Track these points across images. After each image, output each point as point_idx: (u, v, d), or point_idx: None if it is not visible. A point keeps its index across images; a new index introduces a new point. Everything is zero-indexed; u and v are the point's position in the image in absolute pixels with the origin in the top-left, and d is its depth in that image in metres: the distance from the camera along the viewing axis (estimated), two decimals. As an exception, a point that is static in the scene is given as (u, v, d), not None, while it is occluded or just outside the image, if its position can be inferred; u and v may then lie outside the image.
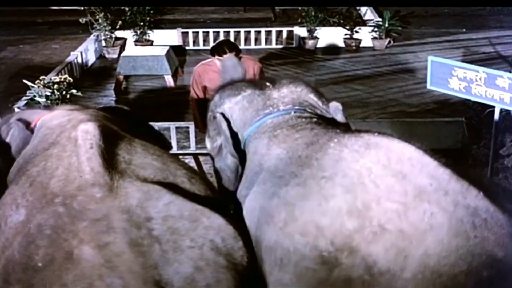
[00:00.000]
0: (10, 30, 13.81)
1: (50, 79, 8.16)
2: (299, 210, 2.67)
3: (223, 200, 3.21)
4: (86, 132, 2.74)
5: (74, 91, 7.84)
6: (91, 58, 11.89)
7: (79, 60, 11.17)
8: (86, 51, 11.72)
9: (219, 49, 5.44)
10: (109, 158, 2.62)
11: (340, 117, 3.51)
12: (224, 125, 3.43)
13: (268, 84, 3.61)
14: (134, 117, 3.94)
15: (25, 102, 8.06)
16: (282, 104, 3.43)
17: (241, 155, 3.39)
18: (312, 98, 3.55)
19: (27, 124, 3.51)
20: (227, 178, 3.47)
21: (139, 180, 2.57)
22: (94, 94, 9.95)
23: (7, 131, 3.60)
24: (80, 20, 11.97)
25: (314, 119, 3.31)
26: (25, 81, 8.08)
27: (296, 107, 3.41)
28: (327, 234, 2.53)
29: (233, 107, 3.52)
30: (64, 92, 7.74)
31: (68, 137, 2.90)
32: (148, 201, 2.44)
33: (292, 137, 3.12)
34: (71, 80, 8.13)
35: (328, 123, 3.32)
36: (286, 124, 3.25)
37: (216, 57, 5.43)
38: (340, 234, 2.51)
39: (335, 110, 3.52)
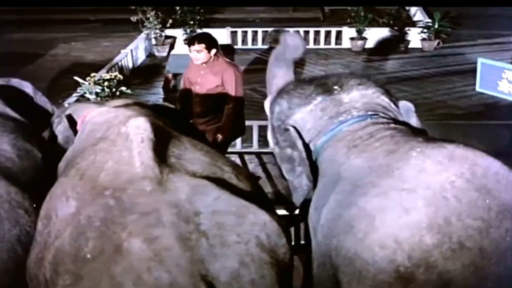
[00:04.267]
0: (63, 27, 14.14)
1: (101, 76, 8.31)
2: (379, 221, 2.63)
3: (267, 197, 3.19)
4: (137, 127, 2.74)
5: (123, 88, 7.98)
6: (141, 56, 12.07)
7: (129, 58, 11.35)
8: (136, 49, 11.90)
9: (190, 40, 5.68)
10: (160, 152, 2.62)
11: (414, 120, 3.43)
12: (299, 143, 3.35)
13: (335, 86, 3.47)
14: (178, 114, 3.97)
15: (75, 98, 8.19)
16: (355, 110, 3.33)
17: (311, 162, 3.34)
18: (384, 99, 3.46)
19: (75, 119, 3.58)
20: (297, 195, 3.45)
21: (188, 175, 2.57)
22: (143, 92, 10.09)
23: (57, 125, 3.70)
24: (131, 19, 12.18)
25: (392, 125, 3.22)
26: (76, 78, 8.26)
27: (371, 113, 3.31)
28: (406, 248, 2.51)
29: (306, 117, 3.41)
30: (113, 90, 7.88)
31: (117, 132, 2.88)
32: (197, 195, 2.45)
33: (372, 146, 3.05)
34: (121, 77, 8.28)
35: (406, 129, 3.24)
36: (364, 132, 3.16)
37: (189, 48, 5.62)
38: (418, 249, 2.49)
39: (408, 111, 3.45)
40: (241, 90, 5.52)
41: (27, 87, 4.21)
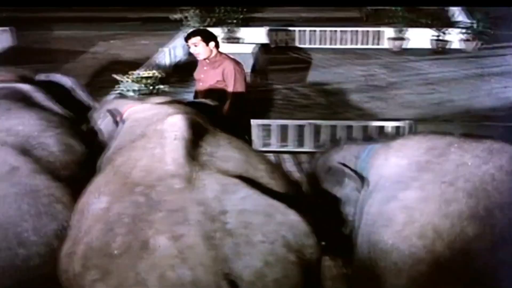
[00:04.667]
0: (103, 25, 14.35)
1: (138, 74, 8.40)
2: (418, 212, 2.63)
3: (303, 196, 3.19)
4: (173, 125, 2.77)
5: (161, 86, 8.05)
6: (179, 54, 12.17)
7: (167, 56, 11.44)
8: (175, 48, 12.00)
9: (187, 36, 5.64)
10: (192, 150, 2.64)
11: None
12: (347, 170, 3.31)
13: None
14: (216, 111, 3.99)
15: (114, 96, 8.25)
16: None
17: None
18: None
19: (116, 114, 3.63)
20: (344, 208, 3.35)
21: (219, 173, 2.56)
22: (180, 90, 10.15)
23: (98, 120, 3.75)
24: (170, 17, 12.28)
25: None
26: (114, 75, 8.37)
27: None
28: (445, 238, 2.50)
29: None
30: (152, 87, 7.96)
31: (155, 129, 2.90)
32: (225, 194, 2.44)
33: (407, 144, 3.08)
34: (159, 75, 8.35)
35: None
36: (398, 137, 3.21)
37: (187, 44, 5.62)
38: (459, 239, 2.48)
39: None
40: (241, 85, 5.49)
41: (68, 82, 4.27)
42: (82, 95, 4.28)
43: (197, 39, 5.37)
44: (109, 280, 2.32)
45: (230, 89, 5.43)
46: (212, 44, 5.40)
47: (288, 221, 2.46)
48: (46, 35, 13.69)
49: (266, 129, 7.51)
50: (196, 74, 5.70)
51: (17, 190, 2.87)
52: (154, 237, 2.29)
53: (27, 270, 2.76)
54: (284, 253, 2.38)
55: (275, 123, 7.10)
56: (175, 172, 2.50)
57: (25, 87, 3.85)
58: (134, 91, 7.90)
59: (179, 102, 3.66)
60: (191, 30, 5.92)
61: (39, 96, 3.79)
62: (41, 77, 4.27)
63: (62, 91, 4.23)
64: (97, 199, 2.63)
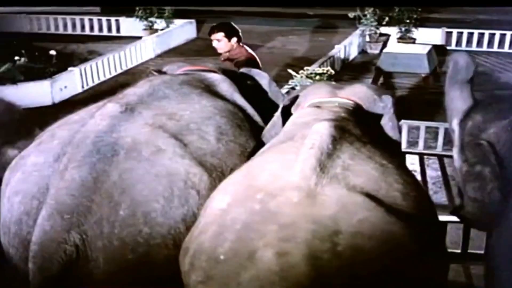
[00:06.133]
0: (282, 21, 14.77)
1: (313, 70, 8.59)
2: None
3: (435, 221, 2.89)
4: (315, 132, 2.69)
5: (332, 83, 8.15)
6: (353, 52, 12.27)
7: (342, 54, 11.59)
8: (350, 45, 12.11)
9: (210, 29, 5.75)
10: (327, 161, 2.52)
11: None
12: (492, 158, 3.18)
13: None
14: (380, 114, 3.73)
15: (286, 90, 8.43)
16: None
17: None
18: None
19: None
20: (481, 212, 3.25)
21: (346, 188, 2.42)
22: (351, 88, 10.20)
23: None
24: (349, 15, 12.41)
25: None
26: (289, 70, 8.63)
27: None
28: None
29: (500, 133, 3.26)
30: None
31: (302, 134, 2.83)
32: (343, 213, 2.31)
33: None
34: (332, 72, 8.49)
35: None
36: None
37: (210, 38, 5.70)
38: None
39: None
40: None
41: (264, 78, 4.38)
42: (275, 91, 4.40)
43: (220, 35, 5.56)
44: (210, 283, 2.32)
45: None
46: (234, 39, 5.57)
47: (400, 252, 2.33)
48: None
49: (433, 131, 7.43)
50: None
51: (156, 172, 2.91)
52: (261, 249, 2.23)
53: (148, 247, 2.80)
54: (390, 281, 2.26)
55: (443, 126, 7.01)
56: (297, 184, 2.41)
57: (213, 76, 3.96)
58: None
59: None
60: (214, 24, 6.04)
61: (224, 86, 3.86)
62: (243, 70, 4.48)
63: (258, 85, 4.36)
64: (220, 196, 2.63)
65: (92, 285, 2.78)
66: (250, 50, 6.05)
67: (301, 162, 2.49)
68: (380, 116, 3.46)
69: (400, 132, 3.74)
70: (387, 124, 3.45)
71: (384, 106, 3.51)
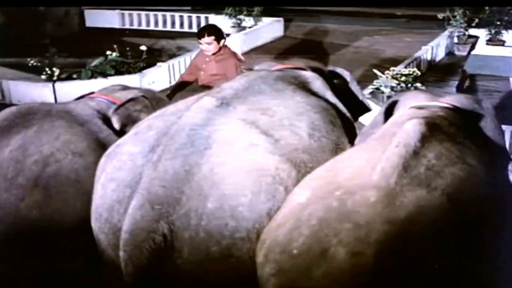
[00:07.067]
0: (369, 21, 14.76)
1: (399, 71, 8.59)
2: None
3: None
4: (405, 130, 2.63)
5: (418, 84, 8.15)
6: (440, 54, 12.12)
7: (429, 55, 11.49)
8: (437, 47, 11.98)
9: (199, 33, 5.78)
10: (412, 160, 2.45)
11: None
12: None
13: None
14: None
15: (370, 91, 8.50)
16: None
17: None
18: None
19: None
20: None
21: (426, 190, 2.34)
22: (436, 90, 10.13)
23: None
24: (438, 16, 12.28)
25: None
26: (375, 71, 8.67)
27: None
28: None
29: None
30: (409, 85, 8.09)
31: (392, 132, 2.77)
32: (419, 216, 2.25)
33: None
34: (418, 73, 8.47)
35: None
36: None
37: (199, 41, 5.74)
38: None
39: None
40: None
41: (347, 76, 4.43)
42: (356, 90, 4.42)
43: (211, 39, 5.64)
44: (282, 277, 2.34)
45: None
46: (222, 41, 5.65)
47: (477, 258, 2.24)
48: (314, 27, 14.50)
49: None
50: (198, 63, 5.94)
51: (246, 166, 2.92)
52: (334, 247, 2.22)
53: (232, 240, 2.80)
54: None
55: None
56: (377, 182, 2.36)
57: (306, 73, 3.98)
58: (391, 87, 8.10)
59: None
60: (202, 27, 6.31)
61: (317, 84, 3.86)
62: (329, 68, 4.52)
63: (343, 83, 4.37)
64: (301, 190, 2.63)
65: (174, 276, 2.81)
66: (233, 50, 6.26)
67: (383, 161, 2.44)
68: (480, 118, 3.32)
69: (503, 134, 3.56)
70: (489, 125, 3.30)
71: (485, 108, 3.40)
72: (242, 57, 6.26)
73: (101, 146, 3.60)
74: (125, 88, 4.59)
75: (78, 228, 3.24)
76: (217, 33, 5.95)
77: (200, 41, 5.90)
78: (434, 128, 2.72)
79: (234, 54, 6.16)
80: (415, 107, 3.26)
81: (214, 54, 5.90)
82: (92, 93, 4.42)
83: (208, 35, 5.84)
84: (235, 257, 2.79)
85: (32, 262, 3.23)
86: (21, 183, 3.27)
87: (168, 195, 2.79)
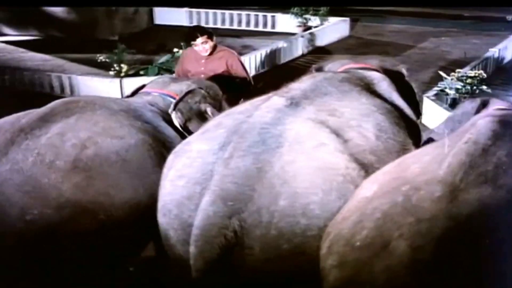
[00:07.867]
0: (436, 22, 14.63)
1: (465, 73, 8.51)
2: None
3: None
4: (476, 126, 2.66)
5: (484, 87, 8.08)
6: (508, 56, 11.94)
7: (495, 57, 11.35)
8: (504, 49, 11.79)
9: (191, 35, 5.71)
10: (479, 157, 2.45)
11: None
12: None
13: None
14: None
15: (435, 92, 8.46)
16: None
17: None
18: None
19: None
20: None
21: (492, 188, 2.33)
22: (502, 92, 9.92)
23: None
24: (507, 18, 12.09)
25: None
26: (440, 72, 8.62)
27: None
28: None
29: None
30: (474, 87, 8.02)
31: (465, 129, 2.81)
32: (482, 213, 2.24)
33: None
34: (484, 75, 8.38)
35: None
36: None
37: (192, 43, 5.69)
38: None
39: None
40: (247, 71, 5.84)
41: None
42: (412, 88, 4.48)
43: (204, 38, 5.65)
44: (344, 269, 2.37)
45: (243, 75, 5.71)
46: (214, 39, 5.69)
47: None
48: (380, 28, 14.49)
49: None
50: (192, 69, 5.81)
51: (317, 165, 2.95)
52: (395, 241, 2.23)
53: (303, 238, 2.83)
54: None
55: None
56: (442, 178, 2.37)
57: (373, 74, 4.07)
58: (456, 89, 8.06)
59: None
60: (191, 29, 6.22)
61: (383, 85, 3.96)
62: (395, 68, 4.62)
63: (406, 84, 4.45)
64: (369, 185, 2.67)
65: (244, 273, 2.86)
66: (224, 47, 6.25)
67: (451, 157, 2.46)
68: None
69: None
70: None
71: None
72: (235, 52, 6.24)
73: (149, 134, 3.68)
74: (174, 80, 4.69)
75: (126, 211, 3.32)
76: (208, 32, 5.89)
77: (195, 43, 5.79)
78: (508, 127, 2.71)
79: (229, 50, 6.12)
80: (496, 108, 3.23)
81: (211, 54, 5.82)
82: (143, 86, 4.54)
83: (201, 35, 5.77)
84: (306, 254, 2.81)
85: (82, 244, 3.21)
86: (60, 166, 3.29)
87: (240, 192, 2.84)
